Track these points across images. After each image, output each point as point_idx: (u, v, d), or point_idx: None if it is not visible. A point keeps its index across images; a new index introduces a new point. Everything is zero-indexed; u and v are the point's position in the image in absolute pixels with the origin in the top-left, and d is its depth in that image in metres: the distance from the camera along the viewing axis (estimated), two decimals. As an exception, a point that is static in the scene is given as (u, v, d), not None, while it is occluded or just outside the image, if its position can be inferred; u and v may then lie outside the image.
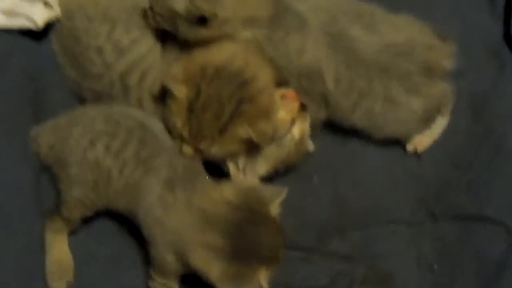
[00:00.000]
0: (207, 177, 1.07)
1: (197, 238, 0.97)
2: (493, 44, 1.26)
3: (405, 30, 1.12)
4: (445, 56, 1.14)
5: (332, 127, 1.18)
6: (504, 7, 1.27)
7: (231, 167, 1.08)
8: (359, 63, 1.08)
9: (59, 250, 1.08)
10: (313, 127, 1.13)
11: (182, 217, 1.00)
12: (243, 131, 1.00)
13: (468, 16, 1.27)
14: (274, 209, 0.99)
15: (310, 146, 1.14)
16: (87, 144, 1.03)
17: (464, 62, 1.17)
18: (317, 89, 1.11)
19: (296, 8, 1.09)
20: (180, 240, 0.99)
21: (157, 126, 1.07)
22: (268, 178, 1.13)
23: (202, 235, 0.96)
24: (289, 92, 1.10)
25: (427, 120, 1.16)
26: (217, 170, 1.11)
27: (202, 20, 1.01)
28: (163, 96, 1.08)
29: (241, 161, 1.09)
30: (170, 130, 1.07)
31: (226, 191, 0.99)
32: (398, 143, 1.18)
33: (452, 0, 1.30)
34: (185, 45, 1.10)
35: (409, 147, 1.18)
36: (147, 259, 1.07)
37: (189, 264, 0.98)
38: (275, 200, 0.99)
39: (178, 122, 1.03)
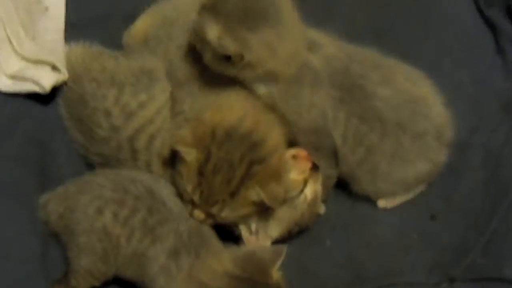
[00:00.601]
0: (217, 242, 1.06)
1: None
2: (505, 99, 1.24)
3: (422, 87, 1.11)
4: (450, 125, 1.14)
5: (343, 188, 1.15)
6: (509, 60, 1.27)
7: (243, 230, 1.08)
8: (375, 116, 1.07)
9: None
10: (325, 187, 1.12)
11: (181, 285, 1.00)
12: (255, 194, 0.99)
13: (479, 71, 1.28)
14: (275, 272, 0.98)
15: (322, 208, 1.12)
16: (95, 212, 1.02)
17: (476, 118, 1.18)
18: (326, 145, 1.11)
19: (311, 62, 1.08)
20: None
21: (166, 191, 1.07)
22: (281, 240, 1.11)
23: None
24: (301, 152, 1.10)
25: (421, 183, 1.17)
26: (228, 233, 1.10)
27: (227, 57, 0.99)
28: (172, 159, 1.08)
29: (253, 224, 1.08)
30: (180, 194, 1.06)
31: (225, 261, 0.99)
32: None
33: (463, 55, 1.28)
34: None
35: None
36: None
37: None
38: (276, 262, 0.98)
39: (189, 186, 1.02)
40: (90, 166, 1.16)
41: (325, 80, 1.08)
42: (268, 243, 1.09)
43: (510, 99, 1.25)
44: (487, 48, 1.30)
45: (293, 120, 1.09)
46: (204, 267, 0.99)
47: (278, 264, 0.98)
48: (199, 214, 1.04)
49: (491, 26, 1.31)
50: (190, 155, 1.00)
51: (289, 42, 1.04)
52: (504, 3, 1.30)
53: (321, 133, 1.10)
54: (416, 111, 1.10)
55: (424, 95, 1.12)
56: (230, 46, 0.98)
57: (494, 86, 1.26)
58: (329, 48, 1.10)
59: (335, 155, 1.11)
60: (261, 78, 1.06)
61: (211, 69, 1.06)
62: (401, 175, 1.13)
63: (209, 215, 1.04)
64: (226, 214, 1.03)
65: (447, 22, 1.32)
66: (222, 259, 1.00)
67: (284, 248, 1.00)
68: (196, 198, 1.02)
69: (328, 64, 1.09)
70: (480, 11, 1.32)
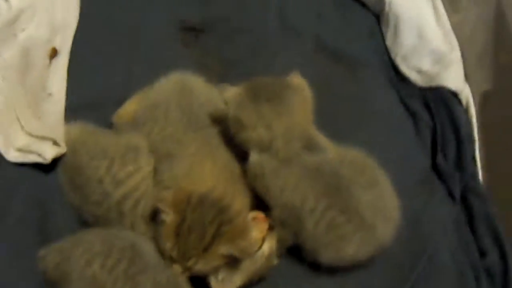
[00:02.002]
0: None
1: None
2: (424, 173, 1.35)
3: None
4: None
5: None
6: (431, 143, 1.39)
7: (213, 280, 1.11)
8: (356, 212, 1.12)
9: None
10: (282, 246, 1.17)
11: None
12: (225, 248, 1.05)
13: (403, 150, 1.37)
14: None
15: (276, 259, 1.18)
16: (85, 264, 1.07)
17: (400, 189, 1.22)
18: (294, 225, 1.15)
19: (306, 160, 1.15)
20: None
21: (146, 247, 1.12)
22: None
23: None
24: (259, 214, 1.16)
25: None
26: (201, 281, 1.13)
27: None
28: (153, 220, 1.14)
29: (221, 275, 1.11)
30: (161, 250, 1.10)
31: None
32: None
33: (390, 138, 1.37)
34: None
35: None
36: None
37: None
38: None
39: (168, 244, 1.07)
40: (84, 224, 1.20)
41: (313, 176, 1.14)
42: (232, 290, 1.13)
43: (427, 175, 1.34)
44: (409, 132, 1.40)
45: (274, 193, 1.14)
46: None
47: None
48: (177, 268, 1.08)
49: (412, 114, 1.41)
50: (168, 217, 1.07)
51: (286, 123, 1.12)
52: (421, 95, 1.42)
53: (293, 214, 1.14)
54: (383, 212, 1.15)
55: (393, 197, 1.18)
56: (242, 111, 1.11)
57: (414, 163, 1.35)
58: (329, 154, 1.17)
59: (297, 233, 1.15)
60: (255, 145, 1.14)
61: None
62: (358, 255, 1.15)
63: (186, 268, 1.08)
64: (200, 267, 1.07)
65: (377, 112, 1.41)
66: None
67: None
68: (174, 254, 1.07)
69: (320, 167, 1.15)
70: (403, 102, 1.43)
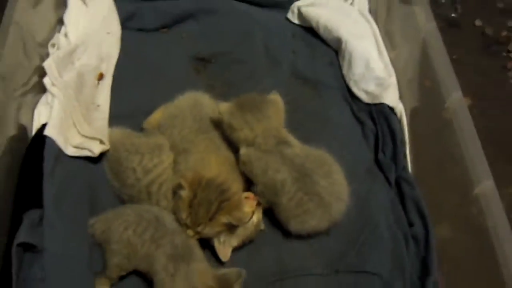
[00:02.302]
0: (201, 251, 1.11)
1: None
2: (369, 165, 1.36)
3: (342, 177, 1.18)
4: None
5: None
6: (374, 144, 1.39)
7: (216, 242, 1.13)
8: (316, 194, 1.13)
9: None
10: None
11: (179, 285, 1.03)
12: (225, 218, 1.07)
13: (354, 149, 1.37)
14: (238, 287, 1.04)
15: (262, 226, 1.20)
16: (122, 230, 1.10)
17: (351, 177, 1.23)
18: (271, 198, 1.16)
19: (283, 149, 1.15)
20: None
21: (167, 217, 1.13)
22: (238, 247, 1.16)
23: None
24: (250, 194, 1.17)
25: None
26: (207, 242, 1.15)
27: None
28: (173, 197, 1.16)
29: (222, 238, 1.13)
30: (178, 219, 1.12)
31: (209, 277, 1.04)
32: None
33: (344, 140, 1.37)
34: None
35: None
36: None
37: None
38: (238, 281, 1.04)
39: (183, 214, 1.09)
40: (122, 201, 1.22)
41: (289, 164, 1.14)
42: (230, 249, 1.14)
43: (371, 167, 1.34)
44: (358, 136, 1.40)
45: (258, 174, 1.14)
46: (195, 277, 1.03)
47: (240, 281, 1.04)
48: (190, 232, 1.10)
49: (360, 122, 1.42)
50: (185, 192, 1.08)
51: (264, 126, 1.14)
52: (367, 110, 1.43)
53: (272, 190, 1.15)
54: (336, 194, 1.16)
55: (344, 183, 1.18)
56: (232, 118, 1.14)
57: (362, 158, 1.35)
58: (296, 148, 1.16)
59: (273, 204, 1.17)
60: (243, 142, 1.16)
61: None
62: (319, 226, 1.17)
63: (196, 232, 1.10)
64: (207, 232, 1.09)
65: (335, 121, 1.41)
66: (208, 275, 1.04)
67: (243, 272, 1.05)
68: (187, 222, 1.09)
69: (293, 158, 1.15)
70: (354, 114, 1.43)
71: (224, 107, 1.17)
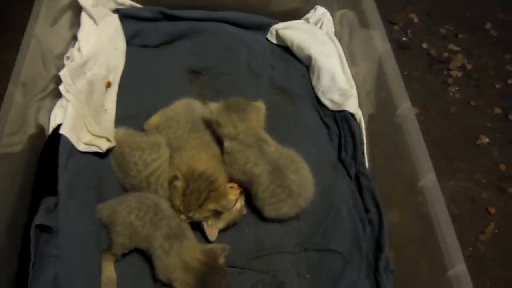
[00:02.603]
0: (191, 232, 1.11)
1: (179, 275, 1.02)
2: (333, 161, 1.36)
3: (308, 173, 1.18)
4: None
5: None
6: (338, 144, 1.39)
7: (205, 224, 1.13)
8: (286, 186, 1.13)
9: (109, 271, 1.10)
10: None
11: (173, 260, 1.03)
12: (212, 205, 1.08)
13: (320, 148, 1.37)
14: (222, 259, 1.04)
15: (244, 211, 1.19)
16: (126, 214, 1.09)
17: (319, 172, 1.24)
18: (248, 185, 1.17)
19: (261, 145, 1.15)
20: (169, 272, 1.03)
21: (164, 204, 1.12)
22: (224, 229, 1.17)
23: (182, 275, 1.01)
24: (234, 184, 1.17)
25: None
26: (198, 226, 1.15)
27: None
28: (169, 187, 1.15)
29: (210, 221, 1.13)
30: (173, 205, 1.12)
31: (197, 251, 1.04)
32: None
33: (312, 140, 1.38)
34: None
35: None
36: (154, 276, 1.08)
37: (173, 286, 1.02)
38: (223, 254, 1.05)
39: (177, 201, 1.09)
40: (125, 190, 1.21)
41: (266, 159, 1.14)
42: (216, 231, 1.14)
43: (335, 163, 1.35)
44: (324, 137, 1.40)
45: (239, 165, 1.14)
46: (187, 252, 1.03)
47: (224, 254, 1.05)
48: (182, 216, 1.10)
49: (327, 126, 1.42)
50: (179, 184, 1.08)
51: (245, 125, 1.14)
52: (332, 115, 1.43)
53: (249, 179, 1.15)
54: (303, 186, 1.16)
55: (310, 177, 1.18)
56: (219, 116, 1.14)
57: (327, 155, 1.36)
58: (271, 147, 1.16)
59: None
60: (227, 137, 1.15)
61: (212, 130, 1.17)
62: (289, 212, 1.18)
63: (188, 217, 1.10)
64: (197, 216, 1.10)
65: (306, 125, 1.41)
66: (196, 250, 1.04)
67: (227, 246, 1.05)
68: (181, 208, 1.09)
69: (268, 154, 1.15)
70: (322, 119, 1.43)
71: (213, 106, 1.16)
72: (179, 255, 1.03)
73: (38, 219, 1.10)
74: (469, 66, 1.97)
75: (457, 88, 1.90)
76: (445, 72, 1.94)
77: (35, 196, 1.16)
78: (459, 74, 1.94)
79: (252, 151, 1.14)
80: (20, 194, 1.14)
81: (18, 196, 1.12)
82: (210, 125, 1.19)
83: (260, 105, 1.21)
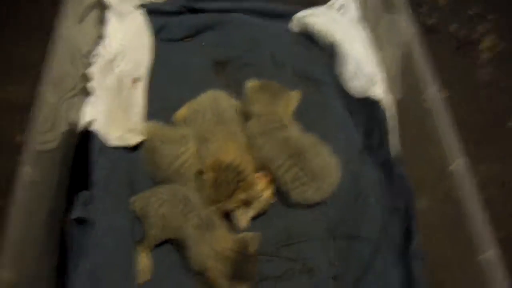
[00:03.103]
0: (222, 222, 1.12)
1: (212, 264, 1.03)
2: (360, 149, 1.35)
3: (331, 158, 1.19)
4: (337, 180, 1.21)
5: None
6: (365, 130, 1.38)
7: (235, 214, 1.15)
8: (309, 169, 1.14)
9: (144, 261, 1.13)
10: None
11: (205, 250, 1.04)
12: (242, 195, 1.09)
13: (348, 135, 1.36)
14: (253, 247, 1.06)
15: (273, 200, 1.20)
16: (158, 206, 1.12)
17: (347, 157, 1.26)
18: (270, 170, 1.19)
19: (284, 131, 1.17)
20: (202, 261, 1.05)
21: (194, 195, 1.13)
22: (254, 218, 1.18)
23: (215, 263, 1.03)
24: (262, 174, 1.18)
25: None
26: (227, 215, 1.16)
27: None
28: (197, 179, 1.17)
29: (240, 211, 1.14)
30: (203, 197, 1.13)
31: (229, 240, 1.06)
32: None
33: (339, 127, 1.36)
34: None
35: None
36: (187, 265, 1.10)
37: (206, 274, 1.05)
38: (254, 242, 1.06)
39: (206, 193, 1.11)
40: (156, 182, 1.22)
41: (284, 143, 1.16)
42: (247, 219, 1.15)
43: (362, 150, 1.33)
44: (350, 123, 1.38)
45: (257, 147, 1.17)
46: (218, 241, 1.04)
47: (255, 243, 1.06)
48: (212, 207, 1.11)
49: (352, 112, 1.41)
50: (208, 177, 1.10)
51: (271, 108, 1.18)
52: (358, 102, 1.41)
53: (266, 164, 1.17)
54: (327, 170, 1.18)
55: (333, 162, 1.19)
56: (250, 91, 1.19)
57: (354, 142, 1.34)
58: (292, 132, 1.19)
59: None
60: (253, 114, 1.20)
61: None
62: (314, 197, 1.19)
63: (218, 208, 1.12)
64: (227, 207, 1.11)
65: (332, 112, 1.40)
66: (228, 239, 1.06)
67: (258, 235, 1.07)
68: (210, 199, 1.11)
69: (289, 138, 1.18)
70: (347, 106, 1.42)
71: (252, 83, 1.21)
72: (211, 245, 1.04)
73: (75, 213, 1.13)
74: (499, 47, 1.91)
75: (486, 70, 1.84)
76: (474, 54, 1.89)
77: (71, 191, 1.19)
78: (489, 56, 1.88)
79: (271, 134, 1.16)
80: (57, 190, 1.17)
81: (55, 192, 1.15)
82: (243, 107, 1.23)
83: (295, 95, 1.23)
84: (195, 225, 1.08)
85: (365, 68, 1.43)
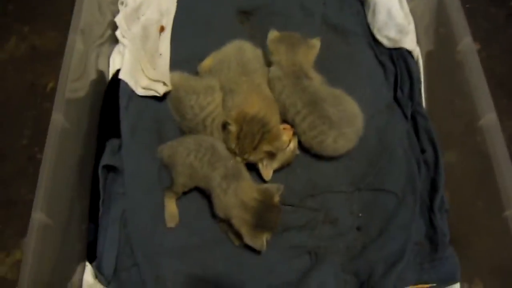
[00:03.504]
0: (247, 172, 1.13)
1: (237, 212, 1.05)
2: (388, 101, 1.33)
3: (353, 106, 1.18)
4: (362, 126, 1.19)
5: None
6: (393, 83, 1.35)
7: (260, 165, 1.16)
8: (326, 117, 1.13)
9: (171, 207, 1.16)
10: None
11: (230, 199, 1.06)
12: (266, 147, 1.10)
13: (375, 87, 1.34)
14: (277, 198, 1.07)
15: (297, 151, 1.21)
16: (186, 155, 1.13)
17: (373, 111, 1.26)
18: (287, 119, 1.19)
19: (304, 81, 1.17)
20: (227, 209, 1.07)
21: (220, 146, 1.14)
22: (278, 170, 1.19)
23: (240, 212, 1.05)
24: (287, 126, 1.18)
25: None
26: (253, 166, 1.17)
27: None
28: (224, 130, 1.17)
29: (264, 162, 1.16)
30: (228, 148, 1.14)
31: (254, 190, 1.07)
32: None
33: (367, 80, 1.34)
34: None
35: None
36: (212, 212, 1.13)
37: (230, 222, 1.07)
38: (277, 193, 1.07)
39: (232, 144, 1.11)
40: (183, 133, 1.24)
41: (302, 91, 1.15)
42: (271, 171, 1.17)
43: (390, 103, 1.32)
44: (380, 76, 1.36)
45: (276, 94, 1.18)
46: (243, 191, 1.06)
47: (278, 194, 1.07)
48: (238, 158, 1.12)
49: (382, 65, 1.37)
50: (233, 128, 1.10)
51: (292, 58, 1.18)
52: (388, 53, 1.38)
53: (283, 111, 1.18)
54: (349, 121, 1.16)
55: (355, 112, 1.17)
56: (271, 43, 1.19)
57: (382, 95, 1.32)
58: (314, 81, 1.18)
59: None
60: (274, 63, 1.19)
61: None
62: (334, 149, 1.18)
63: (243, 159, 1.12)
64: (252, 158, 1.12)
65: (361, 64, 1.37)
66: (252, 189, 1.07)
67: (281, 186, 1.07)
68: (236, 150, 1.12)
69: (307, 87, 1.16)
70: (377, 58, 1.39)
71: (272, 35, 1.20)
72: (236, 194, 1.06)
73: (105, 160, 1.17)
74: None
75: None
76: (510, 4, 1.79)
77: (100, 139, 1.22)
78: (527, 7, 1.78)
79: (290, 82, 1.17)
80: (87, 137, 1.20)
81: (85, 139, 1.19)
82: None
83: (315, 43, 1.21)
84: (222, 174, 1.09)
85: (396, 18, 1.38)
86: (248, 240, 1.04)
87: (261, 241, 1.04)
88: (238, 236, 1.09)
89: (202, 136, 1.19)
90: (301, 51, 1.18)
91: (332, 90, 1.19)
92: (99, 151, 1.20)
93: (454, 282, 1.11)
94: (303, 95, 1.15)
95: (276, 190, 1.07)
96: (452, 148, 1.21)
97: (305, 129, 1.15)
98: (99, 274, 1.10)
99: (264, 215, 1.04)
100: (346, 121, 1.15)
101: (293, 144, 1.18)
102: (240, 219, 1.05)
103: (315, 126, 1.14)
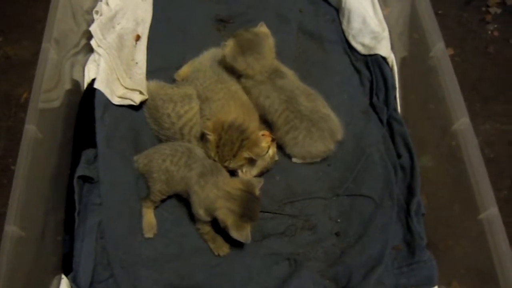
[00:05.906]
0: (227, 175, 1.11)
1: (222, 203, 1.03)
2: (364, 107, 1.33)
3: (327, 108, 1.20)
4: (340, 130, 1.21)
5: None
6: (369, 89, 1.36)
7: (240, 172, 1.17)
8: (300, 113, 1.15)
9: (149, 217, 1.15)
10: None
11: (211, 191, 1.04)
12: (246, 154, 1.10)
13: (351, 93, 1.35)
14: (258, 191, 1.05)
15: (276, 157, 1.21)
16: (161, 161, 1.12)
17: (349, 117, 1.26)
18: (267, 120, 1.20)
19: (277, 81, 1.18)
20: (209, 203, 1.05)
21: (197, 149, 1.14)
22: (258, 176, 1.16)
23: (226, 203, 1.03)
24: (266, 132, 1.19)
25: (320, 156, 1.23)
26: (233, 173, 1.16)
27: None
28: (202, 139, 1.16)
29: (244, 169, 1.16)
30: (208, 157, 1.13)
31: (237, 183, 1.06)
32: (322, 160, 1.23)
33: (343, 85, 1.35)
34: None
35: (294, 160, 1.23)
36: (192, 218, 1.12)
37: (215, 216, 1.04)
38: (258, 186, 1.06)
39: (212, 153, 1.12)
40: (159, 140, 1.23)
41: (278, 90, 1.17)
42: (251, 177, 1.15)
43: (366, 108, 1.32)
44: (356, 82, 1.37)
45: (254, 98, 1.19)
46: (227, 183, 1.06)
47: (259, 187, 1.06)
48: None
49: (358, 71, 1.39)
50: (212, 137, 1.09)
51: (261, 63, 1.17)
52: (363, 60, 1.40)
53: (263, 112, 1.19)
54: (320, 118, 1.17)
55: (328, 113, 1.19)
56: (236, 62, 1.16)
57: (358, 101, 1.34)
58: (285, 79, 1.19)
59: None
60: (244, 76, 1.19)
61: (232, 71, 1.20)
62: (307, 149, 1.19)
63: (223, 166, 1.12)
64: (232, 165, 1.13)
65: (336, 70, 1.38)
66: (235, 181, 1.07)
67: (262, 179, 1.07)
68: (216, 159, 1.12)
69: (283, 85, 1.18)
70: (352, 64, 1.40)
71: (228, 50, 1.16)
72: (218, 187, 1.05)
73: (80, 171, 1.14)
74: (509, 2, 1.84)
75: (495, 26, 1.79)
76: (483, 9, 1.83)
77: (75, 149, 1.20)
78: (498, 11, 1.82)
79: (265, 86, 1.17)
80: (62, 148, 1.17)
81: (60, 149, 1.16)
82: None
83: (266, 32, 1.20)
84: (199, 172, 1.08)
85: (371, 25, 1.39)
86: (233, 232, 1.02)
87: (247, 232, 1.03)
88: (223, 233, 1.08)
89: (178, 142, 1.18)
90: (267, 51, 1.18)
91: (307, 88, 1.20)
92: (74, 162, 1.17)
93: (432, 285, 1.10)
94: (281, 93, 1.17)
95: (258, 183, 1.07)
96: (427, 152, 1.22)
97: (281, 125, 1.17)
98: (75, 286, 1.07)
99: (249, 205, 1.04)
100: (317, 117, 1.16)
101: (272, 150, 1.18)
102: (226, 210, 1.03)
103: (288, 121, 1.16)
